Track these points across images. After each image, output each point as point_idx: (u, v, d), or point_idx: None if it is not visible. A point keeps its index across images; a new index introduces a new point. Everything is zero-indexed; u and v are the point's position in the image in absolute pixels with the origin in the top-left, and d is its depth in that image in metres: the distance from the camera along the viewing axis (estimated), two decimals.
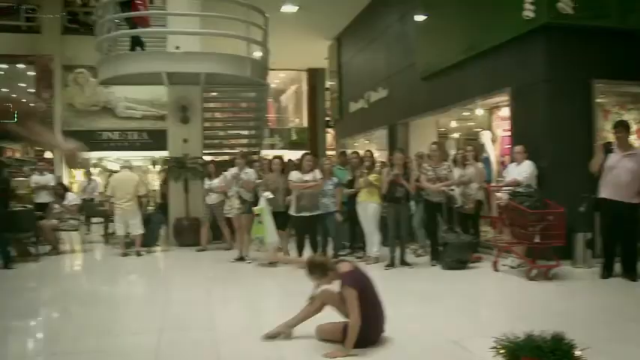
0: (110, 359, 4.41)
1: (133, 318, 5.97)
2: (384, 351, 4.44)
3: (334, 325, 4.54)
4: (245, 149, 13.18)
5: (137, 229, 10.45)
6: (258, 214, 8.59)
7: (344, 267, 4.64)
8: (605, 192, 7.19)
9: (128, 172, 10.79)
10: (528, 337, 2.71)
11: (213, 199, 10.65)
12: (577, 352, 2.69)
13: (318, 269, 4.65)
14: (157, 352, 4.44)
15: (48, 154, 18.45)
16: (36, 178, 12.59)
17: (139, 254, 10.32)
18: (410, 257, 8.90)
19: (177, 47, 10.78)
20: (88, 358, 4.36)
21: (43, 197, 12.08)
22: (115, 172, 13.95)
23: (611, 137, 7.79)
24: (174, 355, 4.44)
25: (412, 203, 9.20)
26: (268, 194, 8.71)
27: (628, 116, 8.96)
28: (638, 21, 8.46)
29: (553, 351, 2.60)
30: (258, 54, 12.75)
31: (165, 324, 5.35)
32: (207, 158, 12.96)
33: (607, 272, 7.19)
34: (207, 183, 10.77)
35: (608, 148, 7.33)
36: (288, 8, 14.78)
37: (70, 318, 6.05)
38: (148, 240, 10.87)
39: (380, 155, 13.63)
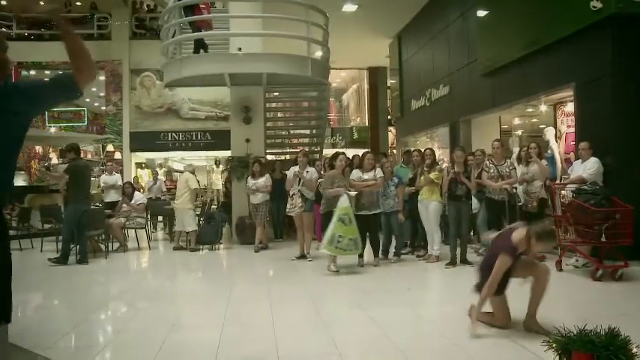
0: (173, 351, 4.54)
1: (195, 313, 6.13)
2: (443, 348, 4.43)
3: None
4: (307, 148, 13.30)
5: (188, 226, 10.91)
6: (345, 214, 8.02)
7: None
8: None
9: (188, 174, 11.17)
10: (581, 332, 2.65)
11: (258, 198, 10.68)
12: (633, 349, 2.60)
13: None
14: (219, 346, 4.55)
15: (117, 156, 19.16)
16: (105, 178, 13.07)
17: (192, 250, 10.80)
18: (471, 256, 8.77)
19: (239, 49, 10.96)
20: (153, 350, 4.50)
21: (112, 196, 12.55)
22: (181, 172, 14.37)
23: None
24: (235, 350, 4.54)
25: (475, 201, 9.08)
26: (354, 193, 8.45)
27: None
28: None
29: (606, 346, 2.53)
30: (319, 54, 12.83)
31: (226, 319, 5.47)
32: (269, 157, 13.18)
33: None
34: (252, 182, 10.72)
35: None
36: (348, 7, 14.82)
37: (136, 311, 6.26)
38: (211, 238, 11.11)
39: (442, 153, 13.51)
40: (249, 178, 10.91)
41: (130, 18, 19.97)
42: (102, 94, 20.49)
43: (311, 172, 9.68)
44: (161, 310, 6.12)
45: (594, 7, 8.11)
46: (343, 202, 8.05)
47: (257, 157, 11.65)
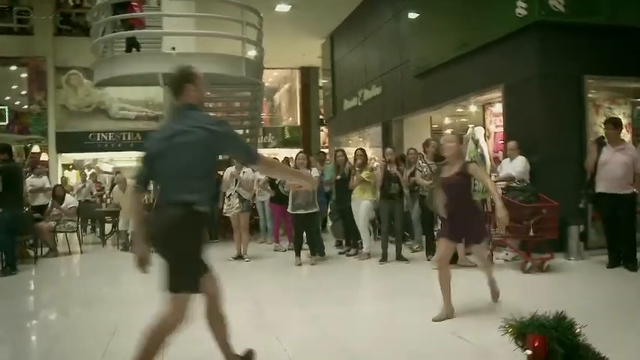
0: (118, 356, 4.47)
1: (135, 317, 5.99)
2: (382, 341, 4.56)
3: None
4: None
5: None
6: None
7: None
8: (601, 186, 7.42)
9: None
10: (533, 317, 2.93)
11: None
12: (577, 330, 2.90)
13: None
14: (163, 351, 4.51)
15: (44, 157, 18.44)
16: (32, 181, 12.59)
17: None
18: (407, 253, 9.00)
19: (173, 48, 10.82)
20: (96, 356, 4.43)
21: (40, 199, 12.11)
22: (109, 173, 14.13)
23: (602, 131, 8.00)
24: (180, 352, 4.51)
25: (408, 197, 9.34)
26: None
27: (618, 111, 9.13)
28: (628, 18, 8.65)
29: (555, 328, 2.83)
30: (252, 53, 12.81)
31: None
32: None
33: (614, 262, 7.40)
34: None
35: (601, 143, 7.57)
36: (282, 7, 14.88)
37: (74, 318, 6.10)
38: None
39: (374, 152, 13.74)
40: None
41: (53, 13, 19.26)
42: (24, 92, 19.67)
43: (247, 173, 9.67)
44: (100, 316, 5.98)
45: (519, 14, 8.52)
46: None
47: None
